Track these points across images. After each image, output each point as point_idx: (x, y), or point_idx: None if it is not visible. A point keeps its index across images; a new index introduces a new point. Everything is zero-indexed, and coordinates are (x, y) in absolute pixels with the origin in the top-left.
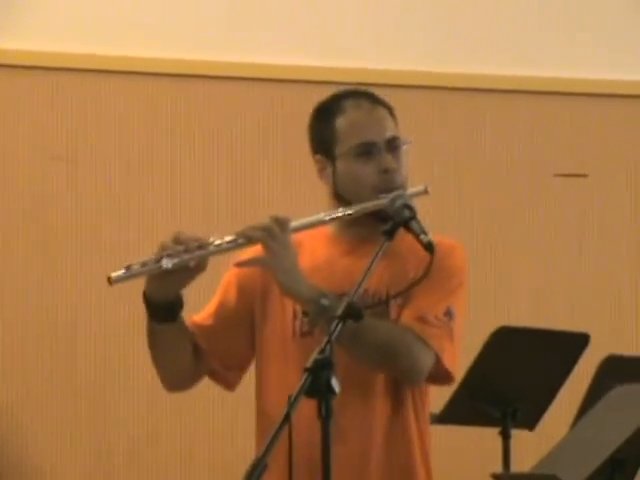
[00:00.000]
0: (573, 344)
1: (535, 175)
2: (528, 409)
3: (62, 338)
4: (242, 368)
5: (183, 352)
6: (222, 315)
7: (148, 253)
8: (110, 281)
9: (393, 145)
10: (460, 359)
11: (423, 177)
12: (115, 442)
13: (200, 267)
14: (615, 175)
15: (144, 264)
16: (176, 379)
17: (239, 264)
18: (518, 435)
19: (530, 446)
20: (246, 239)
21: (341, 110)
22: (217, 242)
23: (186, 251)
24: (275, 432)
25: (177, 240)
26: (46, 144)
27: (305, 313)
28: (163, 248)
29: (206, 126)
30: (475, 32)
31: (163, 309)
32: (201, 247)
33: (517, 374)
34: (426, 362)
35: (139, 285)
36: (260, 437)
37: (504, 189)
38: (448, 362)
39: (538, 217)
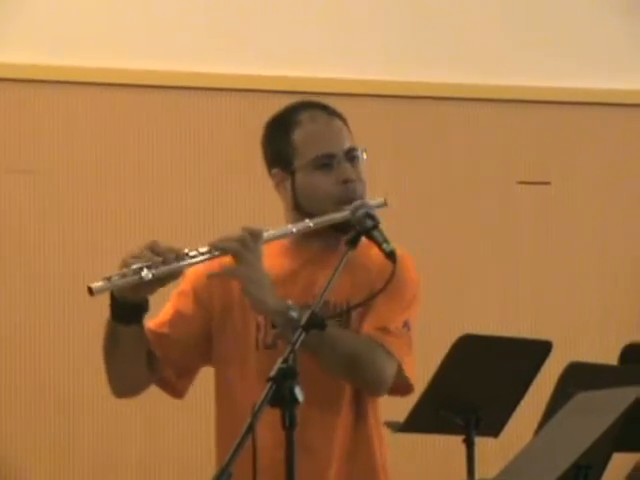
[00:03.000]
0: (536, 352)
1: (498, 183)
2: (492, 417)
3: (21, 351)
4: (192, 376)
5: (139, 356)
6: (177, 324)
7: (109, 264)
8: (91, 292)
9: (351, 155)
10: (418, 369)
11: (387, 187)
12: (78, 460)
13: (174, 276)
14: (578, 183)
15: (124, 275)
16: (128, 384)
17: (212, 276)
18: (482, 442)
19: (494, 453)
20: (220, 250)
21: (297, 123)
22: (192, 253)
23: (164, 262)
24: (239, 441)
25: (154, 250)
26: (6, 156)
27: (274, 325)
28: (142, 257)
29: (175, 136)
30: (439, 41)
31: (129, 311)
32: (178, 258)
33: (480, 382)
34: (390, 372)
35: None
36: (221, 448)
37: (467, 197)
38: (409, 372)
39: (502, 224)
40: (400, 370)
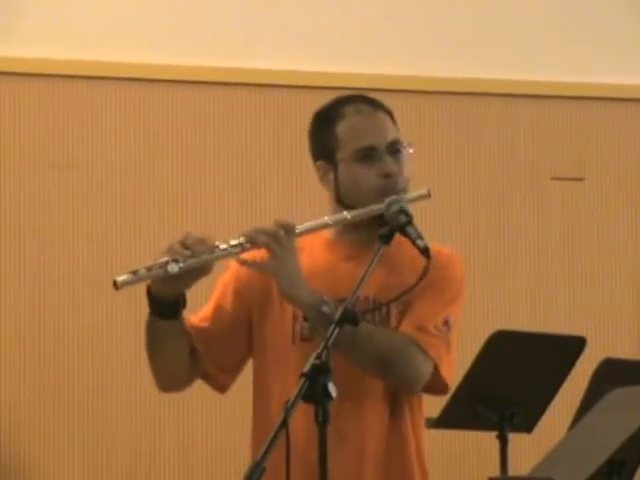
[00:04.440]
0: (570, 348)
1: (532, 179)
2: (525, 413)
3: (58, 346)
4: (237, 371)
5: (181, 351)
6: (219, 319)
7: (149, 260)
8: (116, 285)
9: (394, 148)
10: (456, 368)
11: (421, 181)
12: (112, 458)
13: (205, 270)
14: (613, 179)
15: (150, 268)
16: (172, 378)
17: (241, 261)
18: (515, 439)
19: (528, 450)
20: (252, 243)
21: (341, 116)
22: (223, 246)
23: (192, 256)
24: (273, 436)
25: (184, 244)
26: (46, 151)
27: (306, 319)
28: (171, 251)
29: (205, 133)
30: (471, 36)
31: (166, 306)
32: (207, 251)
33: (514, 378)
34: (425, 371)
35: (143, 294)
36: (257, 443)
37: (500, 193)
38: (445, 372)
39: (535, 220)
40: (436, 370)
